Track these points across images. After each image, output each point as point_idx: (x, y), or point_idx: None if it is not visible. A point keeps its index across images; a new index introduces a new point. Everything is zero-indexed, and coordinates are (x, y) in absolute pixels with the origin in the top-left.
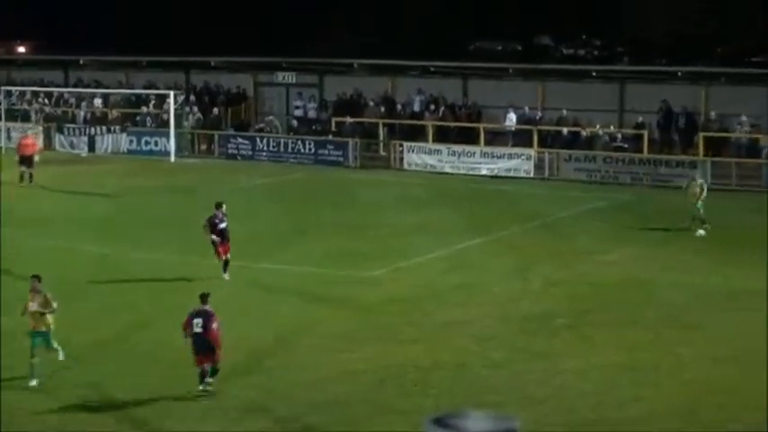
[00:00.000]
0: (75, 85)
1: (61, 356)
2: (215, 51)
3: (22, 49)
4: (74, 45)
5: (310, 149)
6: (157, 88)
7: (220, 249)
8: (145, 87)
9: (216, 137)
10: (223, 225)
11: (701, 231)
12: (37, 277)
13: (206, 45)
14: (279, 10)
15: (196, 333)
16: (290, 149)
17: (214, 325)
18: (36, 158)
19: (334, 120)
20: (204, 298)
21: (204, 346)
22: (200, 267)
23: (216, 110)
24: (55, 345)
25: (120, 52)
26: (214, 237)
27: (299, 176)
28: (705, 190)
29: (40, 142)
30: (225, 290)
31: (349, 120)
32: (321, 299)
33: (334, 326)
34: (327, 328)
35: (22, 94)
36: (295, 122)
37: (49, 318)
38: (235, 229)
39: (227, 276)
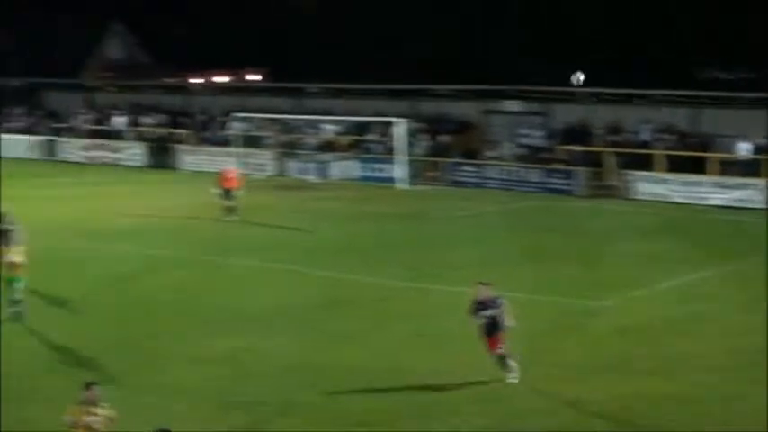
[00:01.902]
0: (305, 113)
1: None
2: (441, 80)
3: (252, 77)
4: (300, 73)
5: (538, 178)
6: (384, 116)
7: (489, 342)
8: (372, 115)
9: (443, 164)
10: (491, 312)
11: None
12: None
13: (432, 74)
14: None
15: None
16: (517, 178)
17: None
18: (240, 192)
19: (561, 148)
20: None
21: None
22: (428, 293)
23: (443, 138)
24: None
25: (343, 81)
26: (484, 318)
27: (527, 204)
28: None
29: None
30: (455, 317)
31: (576, 148)
32: (550, 327)
33: (563, 355)
34: (556, 358)
35: (252, 120)
36: (522, 150)
37: None
38: (465, 254)
39: (512, 377)
